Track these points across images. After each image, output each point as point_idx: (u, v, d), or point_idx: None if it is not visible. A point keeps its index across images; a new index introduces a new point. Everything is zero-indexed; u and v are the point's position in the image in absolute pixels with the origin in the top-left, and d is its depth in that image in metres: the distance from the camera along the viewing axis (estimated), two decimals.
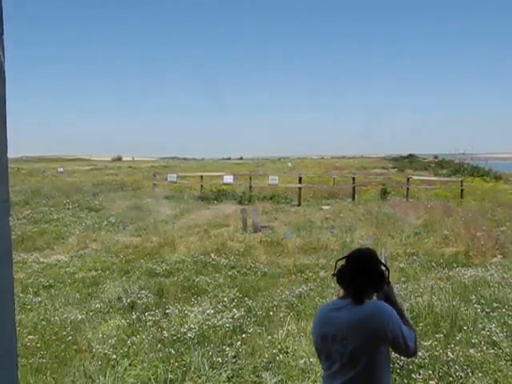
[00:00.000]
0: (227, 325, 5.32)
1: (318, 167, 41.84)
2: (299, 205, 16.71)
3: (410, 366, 4.22)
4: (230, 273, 8.15)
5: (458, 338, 4.83)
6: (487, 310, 5.66)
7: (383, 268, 2.16)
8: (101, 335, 5.27)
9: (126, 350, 4.83)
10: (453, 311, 5.47)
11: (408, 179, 19.09)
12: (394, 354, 4.24)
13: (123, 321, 5.68)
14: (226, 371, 4.31)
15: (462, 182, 18.54)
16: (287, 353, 4.64)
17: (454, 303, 5.71)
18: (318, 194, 19.20)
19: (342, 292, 2.22)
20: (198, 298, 6.58)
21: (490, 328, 5.01)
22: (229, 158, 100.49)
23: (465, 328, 5.05)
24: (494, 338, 4.81)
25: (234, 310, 5.86)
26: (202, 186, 20.14)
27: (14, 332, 0.98)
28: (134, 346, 4.90)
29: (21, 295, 6.71)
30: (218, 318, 5.54)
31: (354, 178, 19.12)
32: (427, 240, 10.33)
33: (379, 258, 2.22)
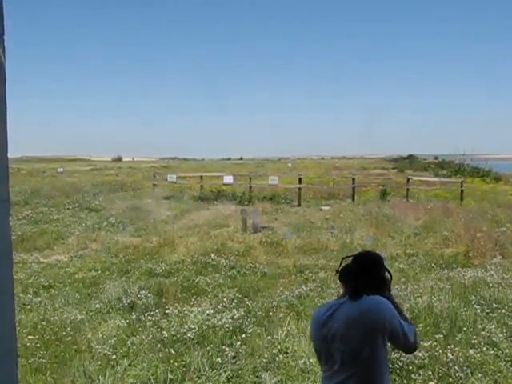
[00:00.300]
0: (227, 325, 5.32)
1: (318, 168, 41.86)
2: (299, 205, 16.71)
3: (410, 367, 4.22)
4: (229, 273, 8.15)
5: (457, 338, 4.84)
6: (487, 310, 5.66)
7: (387, 275, 2.18)
8: (100, 335, 5.27)
9: (125, 350, 4.83)
10: (452, 312, 5.47)
11: (408, 180, 19.08)
12: (393, 355, 4.27)
13: (123, 321, 5.68)
14: (225, 371, 4.31)
15: (462, 182, 18.52)
16: (287, 353, 4.65)
17: (453, 304, 5.71)
18: (318, 195, 19.19)
19: (341, 292, 2.23)
20: (198, 298, 6.58)
21: (490, 329, 5.02)
22: (229, 159, 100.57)
23: (464, 329, 5.06)
24: (493, 338, 4.81)
25: (234, 310, 5.86)
26: (201, 186, 20.13)
27: (13, 332, 0.99)
28: (134, 346, 4.90)
29: (21, 295, 6.70)
30: (218, 318, 5.54)
31: (353, 179, 19.11)
32: (427, 241, 10.33)
33: (385, 265, 2.23)
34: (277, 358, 4.51)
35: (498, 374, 4.16)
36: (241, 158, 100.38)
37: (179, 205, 16.32)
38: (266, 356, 4.57)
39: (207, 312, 5.76)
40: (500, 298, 6.03)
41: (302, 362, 4.37)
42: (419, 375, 4.11)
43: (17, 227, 11.60)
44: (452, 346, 4.59)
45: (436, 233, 10.85)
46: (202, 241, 10.60)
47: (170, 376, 4.18)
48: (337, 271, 2.20)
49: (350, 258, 2.22)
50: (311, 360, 4.33)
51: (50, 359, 4.65)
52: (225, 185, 19.56)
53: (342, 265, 2.20)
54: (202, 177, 21.52)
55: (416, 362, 4.27)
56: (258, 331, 5.23)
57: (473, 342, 4.74)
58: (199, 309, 5.95)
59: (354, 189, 18.41)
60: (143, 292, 6.74)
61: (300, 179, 18.51)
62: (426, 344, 4.57)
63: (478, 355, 4.44)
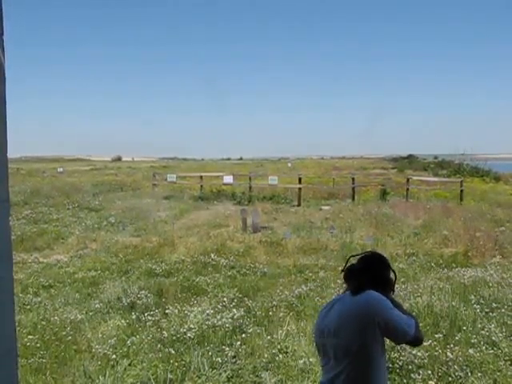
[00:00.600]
0: (227, 325, 5.32)
1: (318, 167, 41.85)
2: (299, 205, 16.71)
3: (410, 366, 4.22)
4: (229, 273, 8.15)
5: (457, 338, 4.84)
6: (486, 310, 5.67)
7: (392, 276, 2.19)
8: (100, 335, 5.27)
9: (125, 350, 4.83)
10: (452, 311, 5.48)
11: (408, 180, 19.09)
12: (393, 354, 4.28)
13: (123, 321, 5.68)
14: (225, 371, 4.31)
15: (461, 182, 18.53)
16: (287, 353, 4.65)
17: (453, 303, 5.71)
18: (318, 195, 19.19)
19: (341, 292, 2.25)
20: (198, 298, 6.59)
21: (490, 328, 5.02)
22: (228, 159, 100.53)
23: (464, 328, 5.06)
24: (493, 338, 4.81)
25: (234, 310, 5.86)
26: (201, 186, 20.13)
27: (14, 332, 0.99)
28: (134, 346, 4.90)
29: (20, 295, 6.70)
30: (218, 318, 5.54)
31: (353, 179, 19.12)
32: (427, 240, 10.33)
33: (391, 267, 2.23)
34: (277, 358, 4.52)
35: (498, 373, 4.16)
36: (240, 158, 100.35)
37: (179, 205, 16.31)
38: (265, 356, 4.57)
39: (207, 312, 5.76)
40: (499, 298, 6.04)
41: (302, 361, 4.37)
42: (419, 374, 4.11)
43: (16, 227, 11.60)
44: (452, 346, 4.59)
45: (436, 232, 10.85)
46: (201, 241, 10.60)
47: (169, 376, 4.19)
48: (342, 270, 2.22)
49: (356, 258, 2.24)
50: (311, 360, 4.33)
51: (49, 359, 4.65)
52: (225, 185, 19.56)
53: (348, 265, 2.22)
54: (201, 177, 21.51)
55: (416, 361, 4.28)
56: (258, 331, 5.23)
57: (472, 341, 4.75)
58: (199, 309, 5.95)
59: (353, 189, 18.41)
60: (143, 292, 6.74)
61: (300, 179, 18.51)
62: (425, 343, 4.56)
63: (478, 354, 4.45)
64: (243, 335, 5.10)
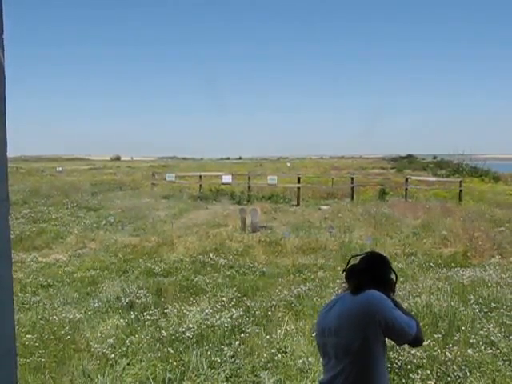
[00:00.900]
0: (226, 324, 5.32)
1: (317, 167, 41.87)
2: (298, 205, 16.72)
3: (409, 366, 4.23)
4: (228, 272, 8.15)
5: (456, 338, 4.84)
6: (485, 310, 5.67)
7: (393, 277, 2.19)
8: (99, 334, 5.27)
9: (124, 349, 4.83)
10: (451, 311, 5.48)
11: (407, 179, 19.10)
12: (392, 354, 4.28)
13: (122, 320, 5.68)
14: (224, 371, 4.31)
15: (460, 182, 18.56)
16: (285, 352, 4.65)
17: (452, 303, 5.72)
18: (317, 194, 19.21)
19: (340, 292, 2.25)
20: (197, 297, 6.58)
21: (488, 328, 5.02)
22: (228, 158, 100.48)
23: (463, 328, 5.06)
24: (492, 338, 4.82)
25: (233, 309, 5.86)
26: (200, 185, 20.12)
27: (13, 331, 0.99)
28: (133, 346, 4.90)
29: (19, 294, 6.70)
30: (217, 317, 5.54)
31: (352, 179, 19.14)
32: (426, 240, 10.34)
33: (393, 268, 2.24)
34: (275, 358, 4.52)
35: (497, 373, 4.17)
36: (240, 158, 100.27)
37: (178, 204, 16.31)
38: (264, 355, 4.57)
39: (206, 311, 5.76)
40: (498, 298, 6.04)
41: (301, 361, 4.37)
42: (418, 374, 4.11)
43: (15, 226, 11.59)
44: (450, 346, 4.60)
45: (434, 232, 10.86)
46: (200, 240, 10.60)
47: (168, 375, 4.19)
48: (343, 270, 2.23)
49: (357, 258, 2.24)
50: (310, 359, 4.34)
51: (48, 358, 4.65)
52: (223, 184, 19.56)
53: (349, 265, 2.23)
54: (200, 176, 21.50)
55: (414, 361, 4.28)
56: (257, 330, 5.23)
57: (471, 341, 4.75)
58: (198, 308, 5.95)
59: (352, 188, 18.43)
60: (142, 291, 6.74)
61: (299, 179, 18.53)
62: (424, 343, 4.56)
63: (477, 354, 4.45)
64: (242, 335, 5.10)
